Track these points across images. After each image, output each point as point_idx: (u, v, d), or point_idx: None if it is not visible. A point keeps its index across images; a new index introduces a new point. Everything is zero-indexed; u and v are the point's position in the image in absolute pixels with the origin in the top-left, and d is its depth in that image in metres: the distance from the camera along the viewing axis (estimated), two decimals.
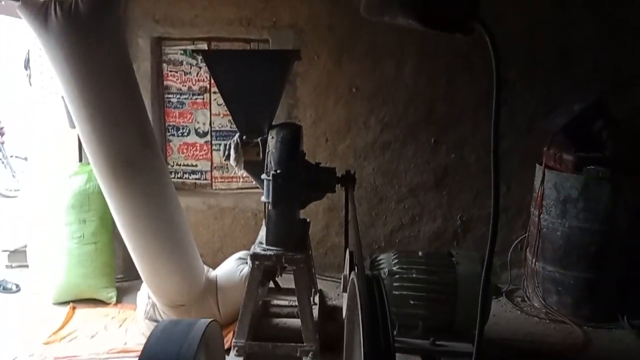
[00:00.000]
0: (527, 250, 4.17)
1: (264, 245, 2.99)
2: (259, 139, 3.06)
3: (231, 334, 3.02)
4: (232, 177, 4.58)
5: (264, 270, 2.96)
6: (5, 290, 4.10)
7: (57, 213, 3.92)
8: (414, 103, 4.32)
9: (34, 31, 2.51)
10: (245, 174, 4.36)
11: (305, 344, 2.91)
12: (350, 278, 1.98)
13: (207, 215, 4.53)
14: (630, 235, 3.66)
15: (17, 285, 4.16)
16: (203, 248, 4.12)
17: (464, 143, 4.34)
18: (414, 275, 2.65)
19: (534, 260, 4.00)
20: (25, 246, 4.31)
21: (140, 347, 1.79)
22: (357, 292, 1.70)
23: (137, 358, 1.75)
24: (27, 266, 4.30)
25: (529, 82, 4.21)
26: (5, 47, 7.47)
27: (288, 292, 3.32)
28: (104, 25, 2.46)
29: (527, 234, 4.20)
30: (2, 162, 7.51)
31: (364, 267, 2.14)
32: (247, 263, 3.19)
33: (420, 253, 2.79)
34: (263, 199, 2.93)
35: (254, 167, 3.10)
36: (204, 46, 4.35)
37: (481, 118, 4.28)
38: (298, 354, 2.90)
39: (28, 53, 4.45)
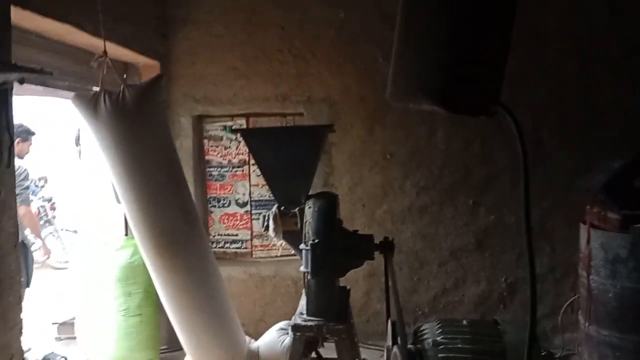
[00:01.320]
0: (579, 313, 3.99)
1: (305, 316, 2.98)
2: (296, 209, 3.12)
3: None
4: (271, 245, 4.64)
5: (305, 341, 2.94)
6: None
7: (104, 286, 4.03)
8: (448, 166, 4.35)
9: (85, 119, 2.70)
10: (284, 243, 4.44)
11: None
12: (393, 352, 1.95)
13: (248, 285, 4.56)
14: None
15: (64, 359, 4.23)
16: (245, 318, 4.13)
17: (502, 204, 4.30)
18: (459, 346, 2.56)
19: (586, 324, 3.82)
20: (74, 319, 4.41)
21: None
22: None
23: None
24: (74, 338, 4.38)
25: (561, 141, 4.20)
26: (58, 124, 7.94)
27: None
28: (149, 110, 2.63)
29: (577, 296, 4.04)
30: (53, 235, 7.82)
31: (406, 338, 2.11)
32: (288, 333, 3.17)
33: (464, 322, 2.70)
34: (302, 269, 2.95)
35: (293, 237, 3.14)
36: (242, 121, 4.55)
37: (518, 178, 4.23)
38: None
39: (79, 130, 4.74)
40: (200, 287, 2.91)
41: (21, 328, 2.56)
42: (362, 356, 3.80)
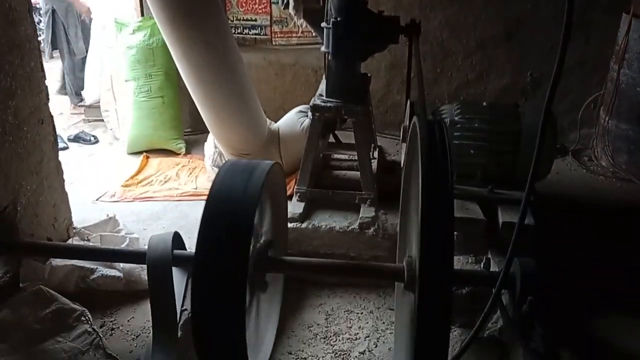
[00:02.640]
0: (601, 108, 3.95)
1: (324, 97, 2.98)
2: None
3: (293, 182, 3.15)
4: (291, 32, 4.47)
5: (324, 122, 2.98)
6: (85, 141, 4.40)
7: (124, 68, 4.03)
8: None
9: None
10: (304, 25, 4.25)
11: (363, 192, 3.01)
12: (412, 122, 1.96)
13: (268, 72, 4.52)
14: None
15: (94, 137, 4.45)
16: (265, 105, 4.16)
17: None
18: (476, 125, 2.58)
19: (607, 119, 3.81)
20: (99, 101, 4.52)
21: None
22: (418, 132, 1.69)
23: None
24: (102, 120, 4.55)
25: None
26: None
27: (348, 146, 3.37)
28: None
29: (603, 91, 3.95)
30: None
31: (426, 113, 2.10)
32: (307, 116, 3.22)
33: (484, 103, 2.69)
34: (323, 48, 2.86)
35: (314, 16, 2.98)
36: None
37: None
38: (357, 201, 3.01)
39: None
40: (220, 62, 2.87)
41: (47, 95, 2.61)
42: (379, 143, 3.91)
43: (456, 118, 2.61)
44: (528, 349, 1.72)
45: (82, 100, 4.92)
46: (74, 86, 4.94)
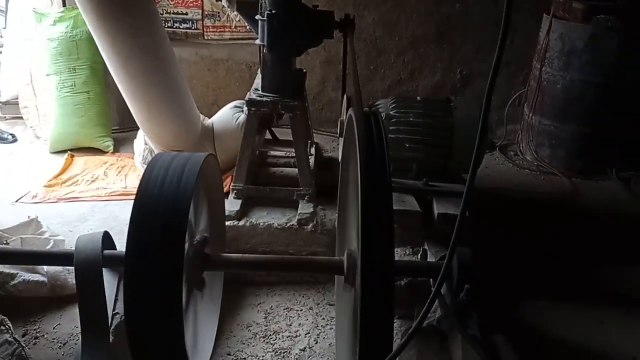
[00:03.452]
0: (525, 105, 4.15)
1: (260, 92, 2.93)
2: None
3: (229, 179, 3.08)
4: (224, 26, 4.38)
5: (260, 118, 2.94)
6: (2, 140, 4.10)
7: (45, 61, 3.80)
8: None
9: None
10: (238, 18, 4.17)
11: (301, 188, 2.98)
12: (348, 114, 1.95)
13: (201, 67, 4.41)
14: (635, 89, 3.59)
15: (12, 136, 4.16)
16: (198, 101, 4.03)
17: None
18: (411, 119, 2.63)
19: (530, 115, 4.00)
20: (17, 97, 4.23)
21: None
22: (355, 124, 1.68)
23: None
24: (21, 118, 4.26)
25: None
26: None
27: (285, 143, 3.34)
28: None
29: (526, 89, 4.15)
30: None
31: (362, 104, 2.10)
32: (242, 111, 3.15)
33: (418, 98, 2.74)
34: (258, 41, 2.82)
35: (248, 8, 2.93)
36: None
37: None
38: (295, 197, 2.98)
39: None
40: (150, 54, 2.75)
41: None
42: (315, 140, 3.91)
43: (392, 112, 2.65)
44: (466, 335, 1.76)
45: None
46: None
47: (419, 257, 2.29)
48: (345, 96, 3.00)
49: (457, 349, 1.78)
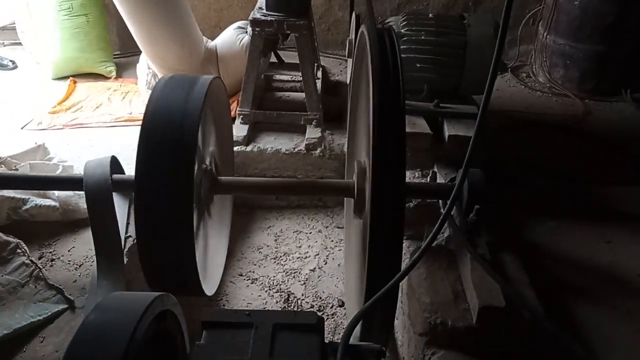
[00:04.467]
0: (540, 24, 3.98)
1: (264, 11, 2.82)
2: None
3: (235, 103, 3.02)
4: None
5: (265, 39, 2.84)
6: (2, 67, 4.01)
7: None
8: None
9: None
10: None
11: (309, 113, 2.94)
12: (360, 31, 1.87)
13: None
14: None
15: (13, 62, 4.06)
16: (200, 24, 3.88)
17: None
18: (422, 38, 2.52)
19: (545, 34, 3.84)
20: (14, 22, 4.09)
21: None
22: (367, 39, 1.61)
23: None
24: (20, 43, 4.15)
25: None
26: None
27: (291, 67, 3.25)
28: None
29: (541, 7, 3.97)
30: None
31: (375, 20, 2.01)
32: (247, 32, 3.05)
33: (430, 15, 2.62)
34: None
35: None
36: None
37: None
38: (302, 122, 2.94)
39: None
40: None
41: None
42: (322, 63, 3.80)
43: (402, 30, 2.54)
44: (475, 254, 1.78)
45: None
46: None
47: (428, 179, 2.27)
48: (353, 14, 2.88)
49: (465, 268, 1.80)
